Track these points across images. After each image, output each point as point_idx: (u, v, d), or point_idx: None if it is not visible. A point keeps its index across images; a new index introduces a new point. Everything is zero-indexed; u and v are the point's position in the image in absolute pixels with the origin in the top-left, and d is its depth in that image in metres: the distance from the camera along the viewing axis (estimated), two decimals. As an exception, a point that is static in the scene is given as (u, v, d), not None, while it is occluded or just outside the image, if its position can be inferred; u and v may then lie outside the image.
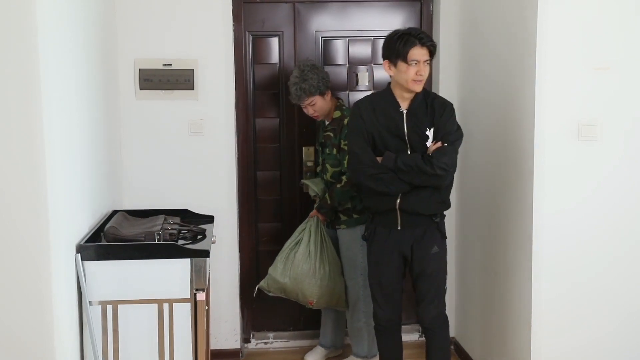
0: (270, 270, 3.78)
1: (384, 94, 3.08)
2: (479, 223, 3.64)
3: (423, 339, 4.28)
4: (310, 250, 3.71)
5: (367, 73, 4.16)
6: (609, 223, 3.08)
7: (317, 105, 3.69)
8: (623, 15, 2.98)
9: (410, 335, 4.21)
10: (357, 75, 4.16)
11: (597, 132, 3.00)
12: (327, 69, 4.11)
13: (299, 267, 3.69)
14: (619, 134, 3.02)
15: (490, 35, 3.52)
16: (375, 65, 4.17)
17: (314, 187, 3.81)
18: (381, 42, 4.19)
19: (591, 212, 3.06)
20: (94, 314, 2.79)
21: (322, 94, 3.66)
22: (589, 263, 3.08)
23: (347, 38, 4.14)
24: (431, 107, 3.02)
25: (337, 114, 3.71)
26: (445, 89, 3.96)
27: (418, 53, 2.93)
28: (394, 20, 4.12)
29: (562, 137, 2.99)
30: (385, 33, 4.15)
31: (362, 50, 4.17)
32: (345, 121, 3.60)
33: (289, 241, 3.81)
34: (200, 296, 2.85)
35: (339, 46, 4.15)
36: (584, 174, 3.03)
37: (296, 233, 3.81)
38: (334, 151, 3.70)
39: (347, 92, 4.17)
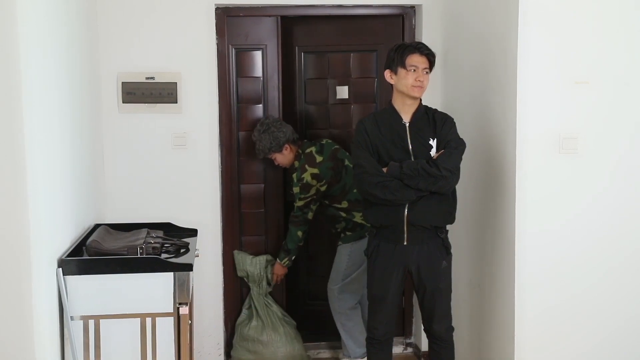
0: (233, 353, 4.10)
1: (386, 110, 3.14)
2: (463, 236, 3.65)
3: (408, 351, 4.35)
4: (262, 320, 4.03)
5: (347, 87, 4.19)
6: (592, 237, 3.09)
7: (277, 160, 3.97)
8: (603, 31, 3.02)
9: (395, 348, 4.21)
10: (335, 89, 4.21)
11: (578, 145, 3.03)
12: (309, 82, 4.13)
13: (256, 340, 4.01)
14: (598, 148, 3.06)
15: (472, 50, 3.56)
16: (354, 79, 4.20)
17: (241, 266, 4.11)
18: (363, 56, 4.26)
19: (573, 227, 3.08)
20: (75, 329, 2.76)
21: (277, 151, 3.89)
22: (572, 278, 3.10)
23: (329, 52, 4.16)
24: (432, 119, 3.09)
25: (296, 163, 3.89)
26: (427, 103, 3.98)
27: (417, 60, 3.01)
28: (378, 35, 4.14)
29: (544, 151, 3.02)
30: (369, 47, 4.22)
31: (343, 63, 4.20)
32: (294, 175, 3.84)
33: (239, 320, 4.10)
34: (184, 310, 2.83)
35: (321, 59, 4.17)
36: (566, 187, 3.06)
37: (243, 310, 4.13)
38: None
39: (328, 105, 4.19)
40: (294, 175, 3.85)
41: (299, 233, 3.91)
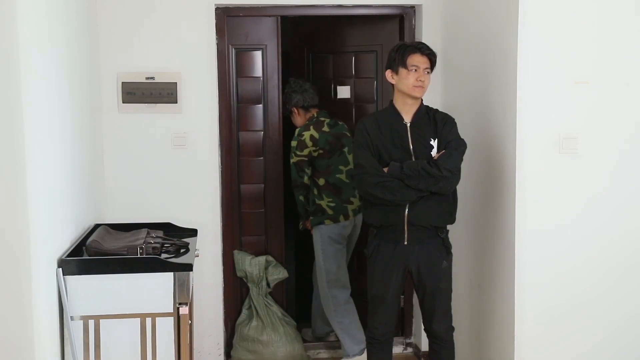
0: (233, 353, 4.10)
1: (387, 110, 3.15)
2: (463, 236, 3.65)
3: (408, 351, 4.35)
4: (262, 320, 4.04)
5: (348, 86, 4.20)
6: (592, 237, 3.09)
7: (292, 118, 4.17)
8: (603, 31, 3.02)
9: (395, 348, 4.21)
10: (336, 88, 4.22)
11: (578, 145, 3.03)
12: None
13: (255, 340, 4.03)
14: (598, 148, 3.06)
15: (472, 50, 3.56)
16: (356, 79, 4.20)
17: (242, 266, 4.11)
18: (362, 57, 4.26)
19: (573, 227, 3.07)
20: (75, 329, 2.76)
21: (288, 110, 4.11)
22: (572, 278, 3.10)
23: (330, 53, 4.17)
24: (433, 119, 3.09)
25: (306, 122, 4.02)
26: (428, 103, 3.98)
27: (418, 60, 3.02)
28: (378, 35, 4.14)
29: (544, 151, 3.02)
30: (367, 48, 4.23)
31: (344, 64, 4.20)
32: (297, 130, 3.99)
33: (239, 320, 4.11)
34: (184, 310, 2.83)
35: (321, 60, 4.18)
36: (566, 187, 3.06)
37: (243, 310, 4.13)
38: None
39: (329, 105, 4.19)
40: (297, 130, 3.99)
41: (301, 198, 4.06)
